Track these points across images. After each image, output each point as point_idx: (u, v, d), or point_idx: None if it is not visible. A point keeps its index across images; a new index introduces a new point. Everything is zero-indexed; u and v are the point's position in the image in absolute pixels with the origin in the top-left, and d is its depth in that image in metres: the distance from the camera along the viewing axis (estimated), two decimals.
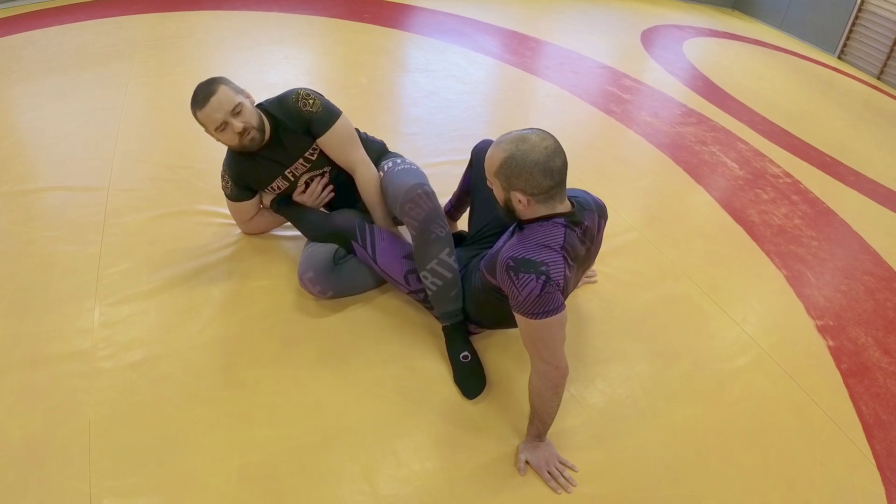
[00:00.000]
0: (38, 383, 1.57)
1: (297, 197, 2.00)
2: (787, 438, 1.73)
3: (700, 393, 1.83)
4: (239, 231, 2.17)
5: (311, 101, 1.88)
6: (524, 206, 1.41)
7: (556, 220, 1.42)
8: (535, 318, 1.35)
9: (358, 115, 3.24)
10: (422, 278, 1.76)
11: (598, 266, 2.23)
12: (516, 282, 1.35)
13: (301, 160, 1.93)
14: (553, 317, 1.35)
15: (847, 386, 1.94)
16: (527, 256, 1.36)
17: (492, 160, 1.40)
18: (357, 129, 2.02)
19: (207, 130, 1.82)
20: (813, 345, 2.10)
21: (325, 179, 1.99)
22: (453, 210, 2.19)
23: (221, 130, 1.79)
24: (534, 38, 4.99)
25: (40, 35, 3.79)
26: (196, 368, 1.67)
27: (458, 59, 4.22)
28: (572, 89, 4.02)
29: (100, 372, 1.62)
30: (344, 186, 2.03)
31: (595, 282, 2.19)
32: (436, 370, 1.76)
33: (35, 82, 3.16)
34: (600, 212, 1.62)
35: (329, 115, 1.90)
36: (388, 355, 1.79)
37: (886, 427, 1.81)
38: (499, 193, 1.45)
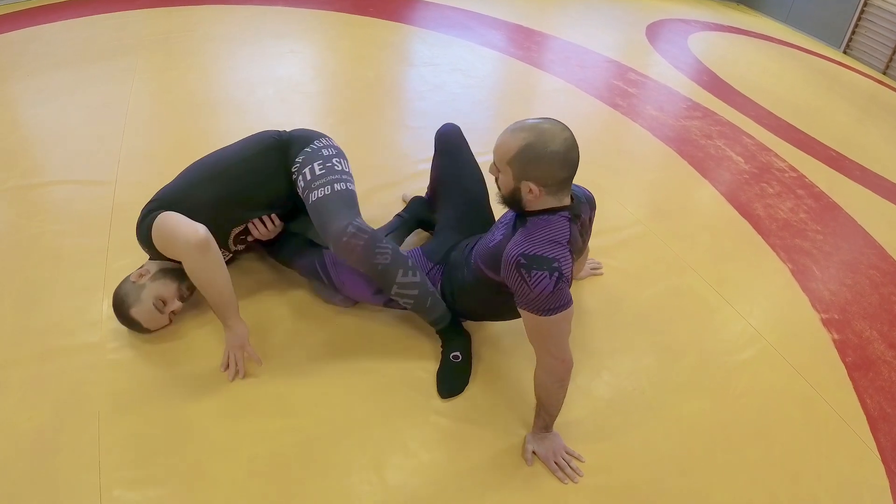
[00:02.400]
0: (47, 376, 1.58)
1: (255, 237, 1.87)
2: (793, 431, 1.73)
3: (706, 386, 1.83)
4: None
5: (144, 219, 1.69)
6: (534, 196, 1.38)
7: (562, 213, 1.40)
8: (547, 315, 1.34)
9: (363, 109, 3.25)
10: (394, 299, 1.71)
11: (604, 259, 2.24)
12: (528, 280, 1.32)
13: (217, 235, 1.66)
14: (563, 312, 1.34)
15: (852, 379, 1.95)
16: (538, 253, 1.34)
17: (506, 147, 1.36)
18: (282, 131, 1.88)
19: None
20: (818, 338, 2.10)
21: (265, 218, 1.84)
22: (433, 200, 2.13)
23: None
24: (539, 32, 4.97)
25: (45, 30, 3.79)
26: (204, 360, 1.68)
27: (463, 53, 4.21)
28: (578, 83, 4.01)
29: (108, 364, 1.63)
30: (283, 214, 1.89)
31: (601, 274, 2.19)
32: None
33: (40, 77, 3.16)
34: (591, 204, 1.62)
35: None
36: (397, 348, 1.79)
37: (891, 420, 1.82)
38: (507, 181, 1.40)
